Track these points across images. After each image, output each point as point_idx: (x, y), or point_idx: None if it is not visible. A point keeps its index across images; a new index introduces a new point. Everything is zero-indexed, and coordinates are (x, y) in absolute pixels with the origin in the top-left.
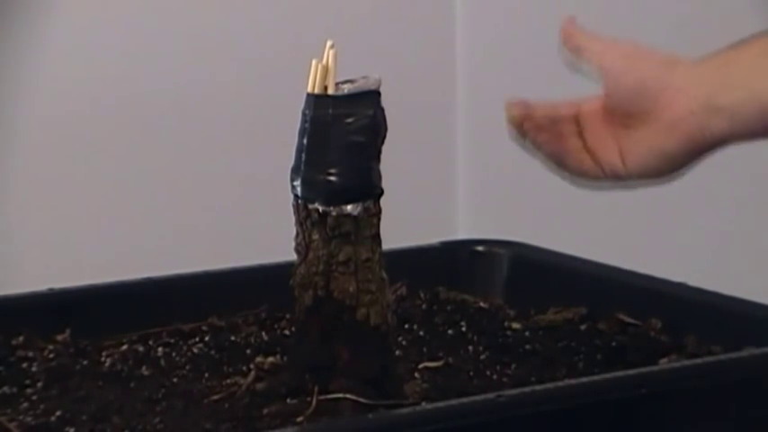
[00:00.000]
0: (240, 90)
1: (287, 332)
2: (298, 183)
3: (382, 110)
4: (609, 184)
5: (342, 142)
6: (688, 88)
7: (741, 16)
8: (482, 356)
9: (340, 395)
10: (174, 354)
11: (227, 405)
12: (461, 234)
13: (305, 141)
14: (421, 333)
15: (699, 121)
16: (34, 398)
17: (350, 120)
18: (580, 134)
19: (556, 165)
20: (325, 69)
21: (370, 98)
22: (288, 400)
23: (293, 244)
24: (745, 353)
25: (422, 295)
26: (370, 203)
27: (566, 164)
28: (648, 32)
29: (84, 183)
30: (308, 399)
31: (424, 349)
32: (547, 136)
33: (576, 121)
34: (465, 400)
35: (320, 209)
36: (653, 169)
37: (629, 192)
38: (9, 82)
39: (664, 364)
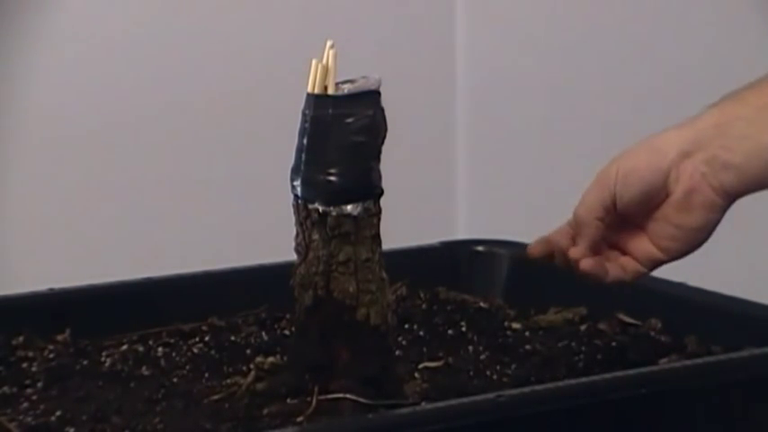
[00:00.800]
0: (240, 90)
1: (287, 332)
2: (298, 183)
3: (382, 110)
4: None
5: (342, 142)
6: (690, 153)
7: (742, 17)
8: (482, 356)
9: (340, 395)
10: (174, 354)
11: (227, 405)
12: (461, 234)
13: (305, 141)
14: (421, 333)
15: (710, 182)
16: (34, 398)
17: (350, 120)
18: (608, 242)
19: (600, 280)
20: (325, 69)
21: (370, 98)
22: (288, 400)
23: (293, 244)
24: (745, 353)
25: (422, 295)
26: (370, 203)
27: (609, 278)
28: (648, 32)
29: (85, 183)
30: (308, 399)
31: (424, 349)
32: (591, 262)
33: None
34: (465, 400)
35: (320, 209)
36: (688, 245)
37: None
38: (9, 82)
39: (664, 364)
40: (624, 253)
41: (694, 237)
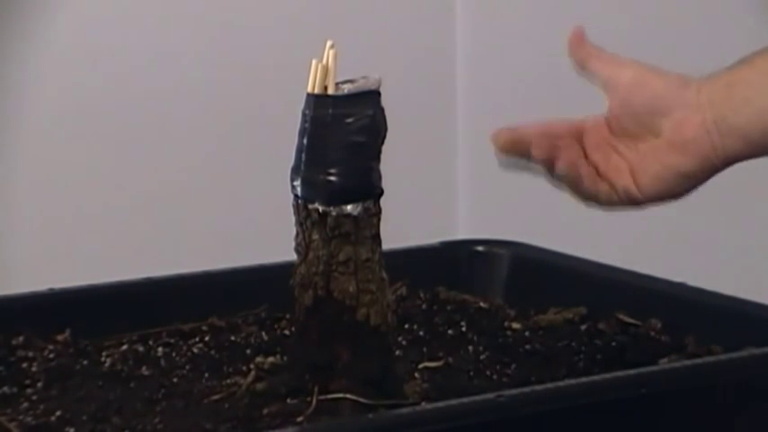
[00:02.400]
0: (240, 90)
1: (287, 332)
2: (298, 183)
3: (382, 110)
4: (623, 208)
5: (342, 142)
6: (701, 107)
7: (742, 17)
8: (482, 356)
9: (340, 395)
10: (174, 354)
11: (227, 405)
12: (461, 234)
13: (305, 141)
14: (421, 333)
15: (713, 141)
16: (34, 398)
17: (350, 120)
18: (587, 158)
19: (570, 190)
20: (326, 69)
21: (370, 98)
22: (288, 400)
23: (293, 244)
24: (745, 353)
25: (422, 295)
26: (370, 203)
27: (580, 189)
28: (648, 32)
29: (85, 183)
30: (308, 399)
31: (424, 349)
32: (565, 166)
33: (580, 141)
34: (465, 400)
35: (320, 209)
36: (668, 191)
37: None
38: (9, 82)
39: (664, 364)
40: (603, 179)
41: (675, 182)
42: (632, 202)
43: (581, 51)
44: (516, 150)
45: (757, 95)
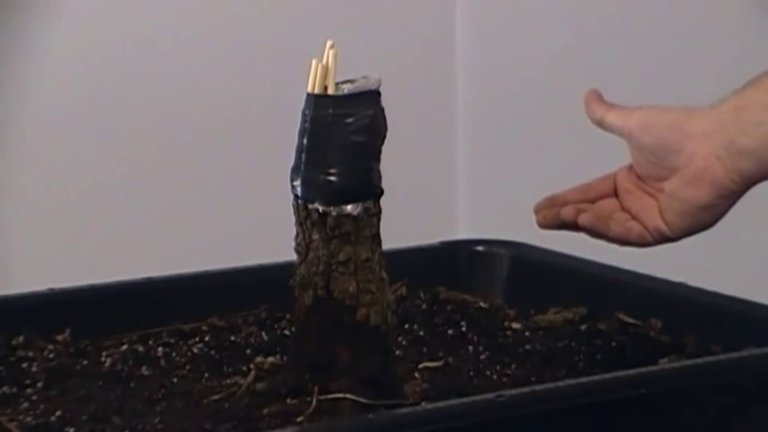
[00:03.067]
0: (240, 90)
1: (287, 332)
2: (298, 183)
3: (382, 110)
4: (658, 244)
5: (342, 142)
6: (709, 135)
7: (742, 17)
8: (482, 356)
9: (340, 395)
10: (174, 354)
11: (227, 405)
12: (461, 234)
13: (305, 141)
14: (421, 333)
15: (725, 166)
16: (34, 398)
17: (350, 120)
18: (622, 206)
19: (601, 237)
20: (326, 69)
21: (370, 98)
22: (288, 400)
23: (293, 244)
24: (745, 353)
25: (422, 295)
26: (370, 203)
27: (610, 235)
28: (649, 33)
29: (85, 183)
30: (308, 399)
31: (424, 349)
32: (589, 216)
33: (615, 193)
34: (465, 400)
35: (320, 209)
36: (695, 224)
37: None
38: (9, 81)
39: (664, 364)
40: (634, 219)
41: (699, 216)
42: (665, 239)
43: (597, 111)
44: (555, 218)
45: (766, 116)
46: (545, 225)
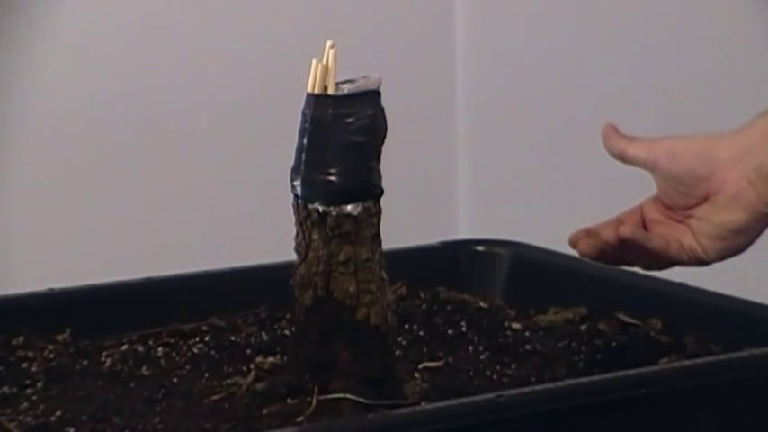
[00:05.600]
0: (240, 90)
1: (287, 332)
2: (298, 183)
3: (382, 110)
4: (692, 265)
5: (342, 142)
6: (739, 159)
7: (743, 17)
8: (482, 356)
9: (340, 395)
10: (174, 354)
11: (227, 405)
12: (461, 234)
13: (305, 141)
14: (421, 333)
15: (757, 190)
16: (34, 398)
17: (350, 120)
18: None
19: (642, 251)
20: (326, 69)
21: (370, 98)
22: (288, 400)
23: (293, 244)
24: (745, 353)
25: (422, 295)
26: (370, 203)
27: (651, 245)
28: (649, 33)
29: (85, 183)
30: (308, 399)
31: (424, 349)
32: (630, 227)
33: (643, 225)
34: (465, 400)
35: (320, 209)
36: (730, 248)
37: (629, 192)
38: (10, 81)
39: (664, 364)
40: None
41: (734, 239)
42: (699, 262)
43: (618, 144)
44: (597, 243)
45: None
46: (588, 254)
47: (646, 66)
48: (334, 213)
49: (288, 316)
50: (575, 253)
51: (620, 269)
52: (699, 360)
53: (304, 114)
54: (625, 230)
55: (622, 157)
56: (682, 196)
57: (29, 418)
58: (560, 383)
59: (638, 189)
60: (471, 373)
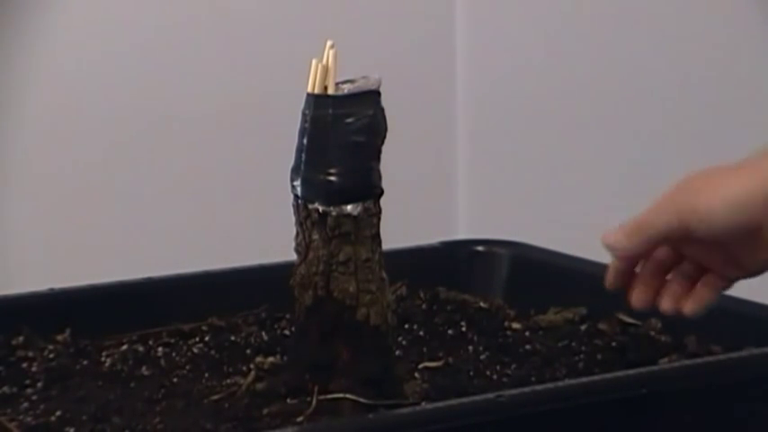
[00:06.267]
0: (240, 90)
1: (287, 332)
2: (298, 183)
3: (382, 110)
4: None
5: (342, 142)
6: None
7: (743, 17)
8: (482, 356)
9: (340, 395)
10: (174, 354)
11: (227, 405)
12: (461, 234)
13: (305, 141)
14: (421, 333)
15: None
16: (34, 398)
17: (350, 120)
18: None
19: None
20: (326, 69)
21: (370, 98)
22: (288, 400)
23: (293, 244)
24: (745, 353)
25: (422, 295)
26: (370, 203)
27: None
28: (649, 33)
29: (85, 182)
30: (308, 399)
31: (424, 349)
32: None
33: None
34: (465, 400)
35: (320, 209)
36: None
37: (629, 192)
38: (10, 81)
39: (664, 364)
40: (701, 268)
41: None
42: (742, 277)
43: (629, 246)
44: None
45: None
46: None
47: (646, 65)
48: (334, 213)
49: (288, 316)
50: (575, 253)
51: None
52: (699, 360)
53: (304, 114)
54: (635, 301)
55: (637, 249)
56: (736, 239)
57: (29, 418)
58: (560, 383)
59: (638, 189)
60: (471, 373)
